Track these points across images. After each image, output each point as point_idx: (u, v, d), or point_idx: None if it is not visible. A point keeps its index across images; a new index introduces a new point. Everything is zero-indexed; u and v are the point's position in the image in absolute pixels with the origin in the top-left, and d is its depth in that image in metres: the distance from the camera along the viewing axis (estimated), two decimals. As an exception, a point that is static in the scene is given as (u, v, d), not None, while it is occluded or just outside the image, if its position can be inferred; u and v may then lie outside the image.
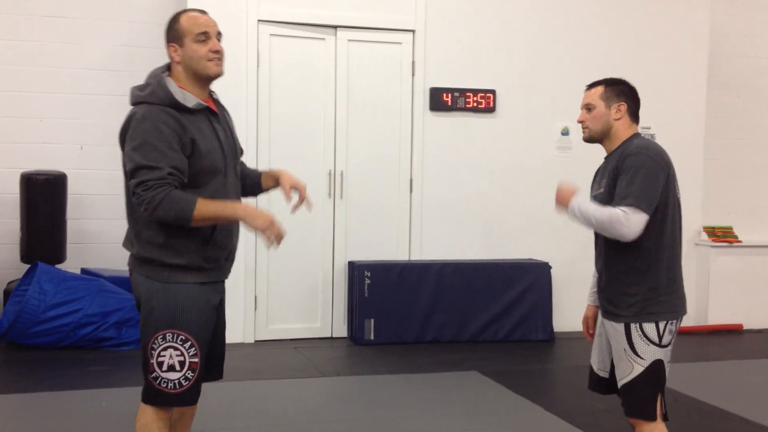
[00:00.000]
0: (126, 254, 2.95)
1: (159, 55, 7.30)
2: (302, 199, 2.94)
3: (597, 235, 3.09)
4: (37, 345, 5.76)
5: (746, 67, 7.79)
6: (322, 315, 6.43)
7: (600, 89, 3.07)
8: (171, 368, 2.72)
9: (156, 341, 2.72)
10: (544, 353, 6.18)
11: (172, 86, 2.75)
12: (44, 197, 6.12)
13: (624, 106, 3.05)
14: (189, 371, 2.73)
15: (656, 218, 2.90)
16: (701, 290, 7.14)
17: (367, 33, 6.43)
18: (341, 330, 6.45)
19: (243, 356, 5.85)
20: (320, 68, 6.36)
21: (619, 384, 2.97)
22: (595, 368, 3.13)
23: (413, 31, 6.50)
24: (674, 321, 2.93)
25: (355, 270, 6.24)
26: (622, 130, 3.05)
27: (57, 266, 6.13)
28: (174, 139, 2.67)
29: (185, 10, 2.88)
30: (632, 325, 2.90)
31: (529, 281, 6.47)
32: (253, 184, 3.11)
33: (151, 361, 2.73)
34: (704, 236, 7.24)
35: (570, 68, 6.82)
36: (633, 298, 2.91)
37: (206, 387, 5.04)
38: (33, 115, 6.62)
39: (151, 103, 2.71)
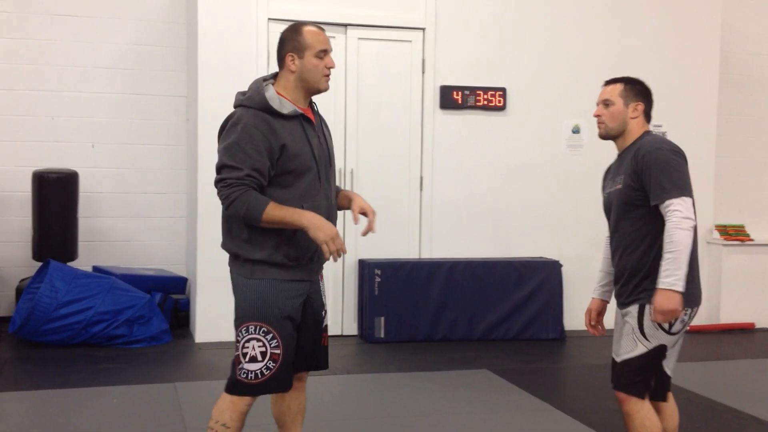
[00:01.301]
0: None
1: (169, 54, 7.39)
2: (369, 225, 3.06)
3: (612, 233, 3.09)
4: (48, 342, 5.79)
5: (758, 65, 7.75)
6: (333, 313, 6.43)
7: (619, 86, 3.11)
8: (253, 359, 2.86)
9: (241, 333, 2.89)
10: (554, 352, 6.16)
11: (270, 92, 2.91)
12: (56, 195, 6.15)
13: (641, 106, 3.10)
14: (270, 362, 2.87)
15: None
16: (713, 289, 7.10)
17: (378, 31, 6.43)
18: (352, 328, 6.45)
19: (253, 354, 5.85)
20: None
21: (618, 358, 3.00)
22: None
23: (423, 29, 6.49)
24: (688, 310, 2.94)
25: (366, 268, 6.24)
26: (636, 129, 3.10)
27: (69, 264, 6.16)
28: (262, 142, 2.83)
29: (306, 23, 3.01)
30: (647, 306, 2.93)
31: (540, 279, 6.46)
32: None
33: (237, 353, 2.90)
34: (716, 235, 7.21)
35: (581, 66, 6.80)
36: (652, 284, 2.92)
37: (217, 384, 5.04)
38: (45, 114, 6.65)
39: (248, 106, 2.89)
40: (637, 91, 3.11)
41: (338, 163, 6.38)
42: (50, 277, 5.80)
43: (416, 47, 6.50)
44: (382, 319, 6.22)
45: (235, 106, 2.97)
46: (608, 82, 3.15)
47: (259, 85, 2.93)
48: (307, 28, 2.95)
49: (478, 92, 6.57)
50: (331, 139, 3.15)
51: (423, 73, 6.51)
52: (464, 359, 5.75)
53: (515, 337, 6.40)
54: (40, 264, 6.16)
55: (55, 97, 6.67)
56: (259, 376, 2.88)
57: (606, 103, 3.10)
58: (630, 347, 2.95)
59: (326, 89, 3.00)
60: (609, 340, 6.47)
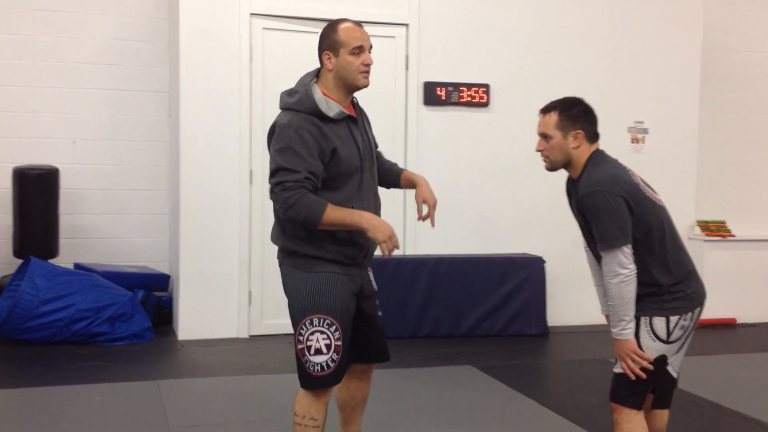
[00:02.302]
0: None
1: (151, 49, 7.34)
2: (430, 215, 3.14)
3: (592, 251, 3.07)
4: (30, 340, 5.74)
5: (740, 62, 7.80)
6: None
7: (554, 117, 2.96)
8: (318, 351, 2.91)
9: (304, 326, 2.92)
10: (538, 347, 6.19)
11: (318, 95, 2.93)
12: (37, 192, 6.10)
13: (581, 134, 2.96)
14: (334, 353, 2.92)
15: (635, 234, 2.88)
16: (695, 284, 7.14)
17: (361, 27, 6.41)
18: (335, 325, 6.44)
19: (237, 351, 5.84)
20: (313, 62, 6.32)
21: (615, 369, 2.97)
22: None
23: (407, 25, 6.49)
24: (687, 315, 2.91)
25: (350, 265, 6.23)
26: (582, 157, 2.98)
27: (50, 261, 6.11)
28: (314, 146, 2.86)
29: (342, 21, 3.01)
30: (642, 319, 2.90)
31: (524, 276, 6.48)
32: (392, 178, 3.31)
33: (300, 347, 2.93)
34: (698, 230, 7.25)
35: (564, 62, 6.82)
36: (642, 302, 2.91)
37: (200, 382, 5.03)
38: (26, 109, 6.59)
39: (297, 110, 2.90)
40: (574, 116, 2.96)
41: (322, 159, 6.36)
42: (31, 275, 5.74)
43: (400, 43, 6.49)
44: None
45: (283, 109, 2.97)
46: (543, 111, 3.01)
47: (307, 88, 2.94)
48: (343, 26, 2.96)
49: (461, 88, 6.57)
50: (371, 130, 3.20)
51: (407, 69, 6.50)
52: (448, 355, 5.75)
53: (499, 333, 6.41)
54: (20, 261, 6.11)
55: (36, 93, 6.60)
56: (325, 368, 2.93)
57: (544, 136, 3.00)
58: None
59: (365, 86, 3.03)
60: (591, 336, 6.54)
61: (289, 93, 2.98)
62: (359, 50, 2.95)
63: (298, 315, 2.95)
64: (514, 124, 6.73)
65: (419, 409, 4.46)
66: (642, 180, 3.00)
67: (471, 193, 6.68)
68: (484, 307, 6.40)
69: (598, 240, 2.87)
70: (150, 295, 6.36)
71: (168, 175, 6.86)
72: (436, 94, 6.53)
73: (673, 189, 7.12)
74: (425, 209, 3.11)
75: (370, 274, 3.22)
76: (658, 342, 2.88)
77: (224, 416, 4.27)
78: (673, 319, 2.88)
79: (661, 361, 2.90)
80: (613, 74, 6.95)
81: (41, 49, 6.59)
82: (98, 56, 6.71)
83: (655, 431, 3.13)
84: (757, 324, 7.21)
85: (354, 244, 2.98)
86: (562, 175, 7.11)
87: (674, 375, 2.98)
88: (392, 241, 2.87)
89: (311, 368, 2.93)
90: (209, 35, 6.10)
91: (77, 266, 6.38)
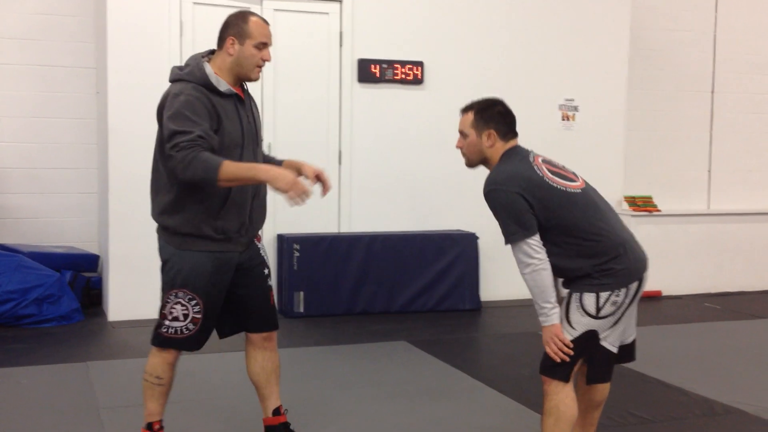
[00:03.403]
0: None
1: (76, 24, 7.12)
2: (326, 186, 3.25)
3: None
4: (-48, 324, 5.57)
5: (668, 40, 7.98)
6: (251, 288, 6.38)
7: (470, 117, 3.07)
8: (175, 318, 3.11)
9: (169, 297, 3.12)
10: (471, 322, 6.28)
11: (209, 70, 3.05)
12: (-43, 171, 5.89)
13: (493, 133, 3.04)
14: (190, 323, 3.11)
15: (544, 225, 2.93)
16: (623, 258, 7.33)
17: (294, 2, 6.35)
18: (270, 303, 6.41)
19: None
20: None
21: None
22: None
23: (340, 1, 6.44)
24: (620, 291, 2.93)
25: (284, 243, 6.21)
26: (497, 154, 3.06)
27: (-27, 242, 5.92)
28: (204, 112, 2.97)
29: (252, 14, 3.14)
30: (573, 295, 2.95)
31: (457, 252, 6.55)
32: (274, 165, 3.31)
33: (163, 311, 3.14)
34: (625, 206, 7.43)
35: (497, 40, 6.87)
36: (574, 282, 2.98)
37: (131, 363, 4.95)
38: (-56, 85, 6.34)
39: (188, 81, 3.02)
40: (488, 117, 3.04)
41: (255, 136, 6.29)
42: (-47, 256, 5.56)
43: (333, 19, 6.45)
44: (302, 293, 6.20)
45: (173, 81, 3.08)
46: (463, 111, 3.12)
47: (198, 62, 3.06)
48: (254, 19, 3.10)
49: (395, 66, 6.57)
50: (259, 117, 3.31)
51: (341, 46, 6.47)
52: (383, 332, 5.79)
53: (433, 308, 6.48)
54: (-59, 242, 5.90)
55: (-46, 68, 6.36)
56: (179, 333, 3.12)
57: (462, 134, 3.10)
58: None
59: (256, 79, 3.17)
60: (523, 311, 6.66)
61: (179, 67, 3.10)
62: (263, 46, 3.10)
63: (166, 286, 3.15)
64: (448, 102, 6.75)
65: (354, 384, 4.48)
66: (556, 170, 3.03)
67: (405, 170, 6.70)
68: (418, 284, 6.46)
69: (505, 234, 2.95)
70: (78, 276, 6.22)
71: (96, 154, 6.70)
72: (370, 72, 6.51)
73: (602, 165, 7.28)
74: (320, 184, 3.21)
75: (260, 245, 3.32)
76: (587, 317, 2.93)
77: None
78: (603, 294, 2.92)
79: (591, 335, 2.95)
80: (544, 52, 7.04)
81: (-41, 22, 6.34)
82: (21, 31, 6.49)
83: (592, 404, 3.19)
84: (682, 296, 7.45)
85: (225, 218, 3.08)
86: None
87: (611, 349, 3.01)
88: (297, 188, 2.88)
89: (165, 330, 3.13)
90: (138, 9, 5.95)
91: (2, 247, 6.20)
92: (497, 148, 3.05)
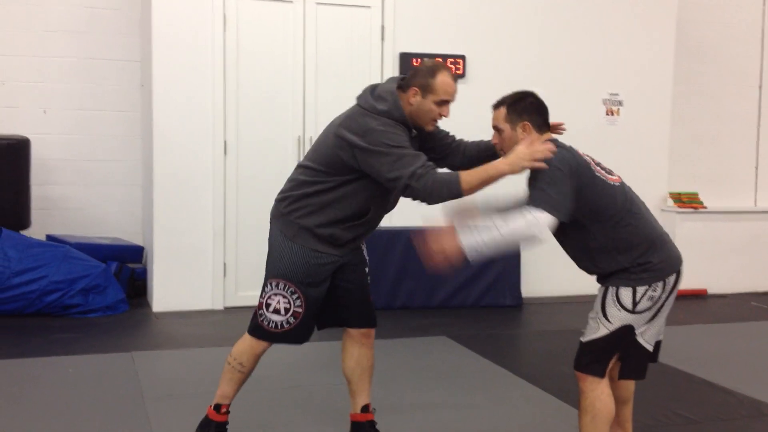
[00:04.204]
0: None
1: (122, 17, 7.19)
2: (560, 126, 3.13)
3: (562, 244, 3.07)
4: (2, 312, 5.69)
5: (714, 35, 7.83)
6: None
7: (503, 111, 3.04)
8: (276, 311, 3.14)
9: (270, 285, 3.15)
10: (511, 318, 6.24)
11: (404, 111, 3.05)
12: (7, 162, 6.01)
13: (528, 125, 2.99)
14: (291, 317, 3.13)
15: (584, 214, 2.88)
16: (667, 256, 7.23)
17: (337, -4, 6.35)
18: (311, 296, 6.44)
19: (212, 323, 5.83)
20: (288, 32, 6.28)
21: (582, 339, 3.00)
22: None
23: (383, -5, 6.43)
24: (657, 285, 2.91)
25: (325, 236, 6.22)
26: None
27: (21, 233, 6.04)
28: (409, 143, 3.02)
29: (443, 69, 3.09)
30: (610, 289, 2.93)
31: (498, 247, 6.49)
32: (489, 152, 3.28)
33: (261, 300, 3.18)
34: (670, 202, 7.32)
35: (540, 34, 6.81)
36: (610, 277, 2.96)
37: (174, 353, 5.02)
38: (-6, 79, 6.48)
39: (388, 118, 3.01)
40: (521, 109, 3.01)
41: (297, 131, 6.33)
42: (2, 246, 5.68)
43: (375, 13, 6.44)
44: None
45: (370, 110, 3.02)
46: (494, 106, 3.09)
47: (396, 100, 3.03)
48: (442, 75, 3.06)
49: (437, 59, 6.53)
50: None
51: (382, 40, 6.46)
52: (423, 326, 5.79)
53: (473, 304, 6.45)
54: (-9, 233, 6.03)
55: (5, 62, 6.49)
56: (278, 327, 3.14)
57: (497, 129, 3.06)
58: (594, 329, 2.96)
59: (429, 131, 3.17)
60: (564, 308, 6.60)
61: (375, 97, 3.04)
62: (445, 103, 3.08)
63: (268, 273, 3.18)
64: (490, 96, 6.66)
65: (394, 378, 4.48)
66: (595, 162, 3.00)
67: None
68: (459, 279, 6.43)
69: (526, 202, 2.83)
70: (123, 267, 6.32)
71: (141, 146, 6.79)
72: (412, 66, 6.49)
73: (646, 160, 7.18)
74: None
75: (363, 245, 3.37)
76: (623, 311, 2.91)
77: (198, 387, 4.26)
78: (640, 289, 2.90)
79: (627, 330, 2.92)
80: (588, 46, 6.95)
81: (9, 17, 6.46)
82: (67, 24, 6.60)
83: (620, 400, 3.17)
84: (728, 295, 7.32)
85: (348, 230, 3.12)
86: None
87: (647, 347, 2.99)
88: (538, 150, 2.83)
89: (265, 322, 3.15)
90: (182, 3, 6.01)
91: (49, 238, 6.32)
92: (533, 137, 3.00)
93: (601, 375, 2.94)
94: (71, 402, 4.00)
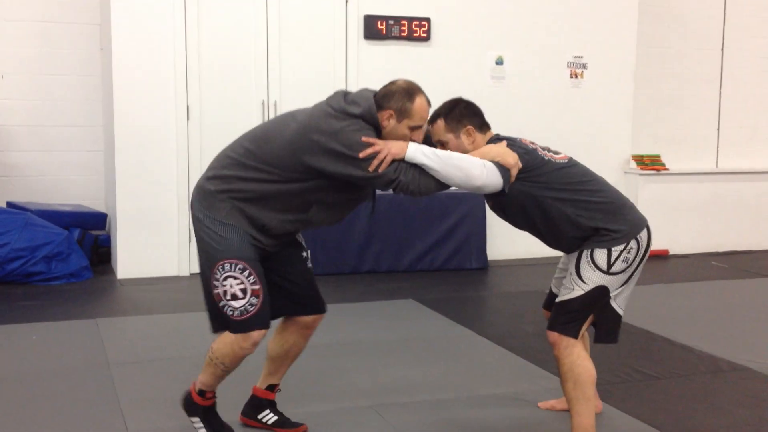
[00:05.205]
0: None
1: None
2: None
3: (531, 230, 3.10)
4: (-38, 281, 5.61)
5: (677, -3, 7.86)
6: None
7: (441, 124, 3.03)
8: (234, 297, 2.85)
9: (218, 271, 2.85)
10: (478, 281, 6.29)
11: (377, 119, 2.87)
12: (-37, 129, 5.88)
13: (470, 128, 3.00)
14: (252, 297, 2.86)
15: (545, 194, 2.94)
16: (630, 217, 7.32)
17: (299, -42, 6.26)
18: (277, 261, 6.44)
19: (177, 289, 5.80)
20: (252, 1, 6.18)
21: (557, 300, 3.04)
22: (552, 288, 3.30)
23: (347, -43, 6.35)
24: (631, 247, 2.95)
25: (291, 201, 6.20)
26: (481, 145, 3.01)
27: (-20, 200, 5.94)
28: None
29: (420, 93, 2.91)
30: (584, 251, 2.96)
31: (464, 211, 6.54)
32: None
33: (216, 291, 2.87)
34: (633, 164, 7.40)
35: (505, -4, 6.78)
36: (585, 241, 2.98)
37: (140, 319, 5.00)
38: (-53, 42, 6.31)
39: (363, 120, 2.84)
40: (459, 115, 3.02)
41: (261, 95, 6.26)
42: (-39, 214, 5.58)
43: (339, -25, 6.36)
44: (309, 252, 6.20)
45: (338, 111, 2.84)
46: (430, 122, 3.05)
47: (371, 107, 2.85)
48: (420, 100, 2.89)
49: (402, 22, 6.50)
50: None
51: (346, 2, 6.39)
52: (390, 290, 5.82)
53: (440, 267, 6.49)
54: (-51, 200, 5.92)
55: (-42, 25, 6.32)
56: (244, 313, 2.87)
57: (441, 143, 3.04)
58: (568, 290, 2.98)
59: None
60: (529, 270, 6.67)
61: (348, 101, 2.87)
62: (418, 129, 2.91)
63: (210, 260, 2.89)
64: (455, 59, 6.71)
65: (361, 341, 4.51)
66: (541, 147, 3.05)
67: (412, 128, 6.66)
68: (426, 243, 6.46)
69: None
70: (87, 234, 6.24)
71: (102, 111, 6.67)
72: (376, 28, 6.45)
73: (610, 123, 7.24)
74: None
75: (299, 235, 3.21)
76: (597, 272, 2.94)
77: (164, 352, 4.26)
78: (615, 249, 2.93)
79: (601, 291, 2.95)
80: (552, 9, 6.95)
81: (-38, -22, 6.28)
82: (24, -14, 6.42)
83: None
84: (689, 255, 7.45)
85: (285, 228, 2.96)
86: (505, 109, 7.13)
87: (619, 311, 3.03)
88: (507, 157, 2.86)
89: (229, 311, 2.87)
90: (141, -35, 5.88)
91: (9, 205, 6.21)
92: (478, 142, 3.02)
93: (575, 336, 2.97)
94: (36, 369, 3.97)
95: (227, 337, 2.93)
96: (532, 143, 3.06)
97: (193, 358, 4.04)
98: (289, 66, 6.30)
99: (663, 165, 7.48)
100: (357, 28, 6.42)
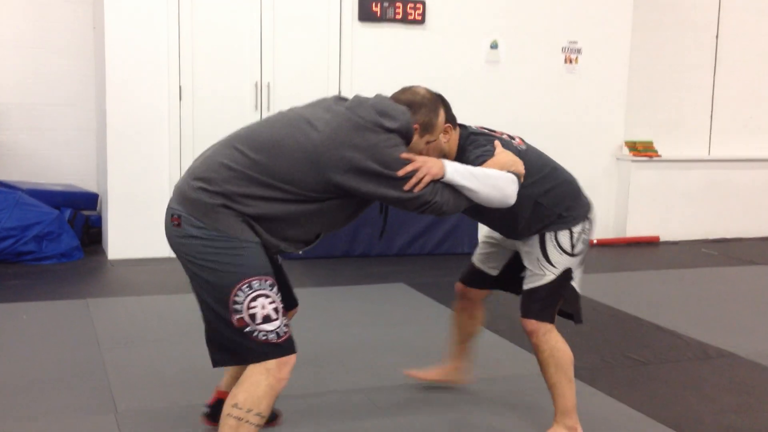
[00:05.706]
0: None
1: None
2: None
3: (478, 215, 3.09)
4: (-48, 260, 5.59)
5: (673, -17, 7.84)
6: (250, 228, 6.39)
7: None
8: (266, 319, 2.44)
9: (242, 290, 2.42)
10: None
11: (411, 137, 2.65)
12: (-46, 106, 5.84)
13: (449, 126, 2.85)
14: (284, 317, 2.50)
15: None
16: (620, 203, 7.35)
17: (294, -62, 6.21)
18: (269, 243, 6.43)
19: (168, 271, 5.79)
20: (245, -26, 6.14)
21: (525, 287, 3.03)
22: (477, 264, 3.38)
23: (342, -62, 6.31)
24: (587, 225, 2.99)
25: (283, 183, 6.19)
26: (455, 143, 2.91)
27: (-29, 179, 5.91)
28: None
29: (443, 104, 2.79)
30: (548, 234, 2.96)
31: (456, 195, 6.53)
32: None
33: (239, 316, 2.41)
34: (625, 151, 7.40)
35: (500, -20, 6.75)
36: (546, 226, 2.97)
37: (130, 300, 4.99)
38: (-62, 19, 6.25)
39: (399, 136, 2.57)
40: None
41: (254, 76, 6.24)
42: (-49, 193, 5.56)
43: (334, -44, 6.32)
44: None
45: (373, 124, 2.50)
46: None
47: (408, 122, 2.59)
48: (442, 116, 2.75)
49: (397, 4, 6.47)
50: None
51: (341, -17, 6.36)
52: (381, 274, 5.82)
53: (431, 251, 6.50)
54: (-61, 179, 5.89)
55: (-52, 1, 6.26)
56: (281, 335, 2.45)
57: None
58: (539, 276, 2.98)
59: None
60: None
61: (380, 113, 2.54)
62: (433, 143, 2.76)
63: (231, 283, 2.42)
64: (450, 42, 6.68)
65: (351, 324, 4.52)
66: (508, 134, 3.04)
67: (405, 112, 6.64)
68: (417, 227, 6.47)
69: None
70: (78, 214, 6.23)
71: (94, 90, 6.64)
72: (371, 10, 6.41)
73: (604, 109, 7.24)
74: None
75: None
76: (564, 255, 2.96)
77: (154, 333, 4.26)
78: (576, 230, 2.96)
79: (568, 274, 2.98)
80: (548, -7, 6.93)
81: (-47, -47, 6.22)
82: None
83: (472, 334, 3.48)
84: (680, 242, 7.47)
85: (291, 246, 2.67)
86: (498, 93, 7.12)
87: (578, 290, 3.07)
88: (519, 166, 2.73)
89: (264, 337, 2.42)
90: (134, -57, 5.83)
91: (0, 184, 6.19)
92: (454, 135, 2.91)
93: (552, 320, 3.00)
94: (26, 349, 3.97)
95: (253, 377, 2.44)
96: (505, 133, 3.02)
97: (184, 340, 4.05)
98: (282, 47, 6.27)
99: (656, 151, 7.49)
100: (352, 9, 6.39)
